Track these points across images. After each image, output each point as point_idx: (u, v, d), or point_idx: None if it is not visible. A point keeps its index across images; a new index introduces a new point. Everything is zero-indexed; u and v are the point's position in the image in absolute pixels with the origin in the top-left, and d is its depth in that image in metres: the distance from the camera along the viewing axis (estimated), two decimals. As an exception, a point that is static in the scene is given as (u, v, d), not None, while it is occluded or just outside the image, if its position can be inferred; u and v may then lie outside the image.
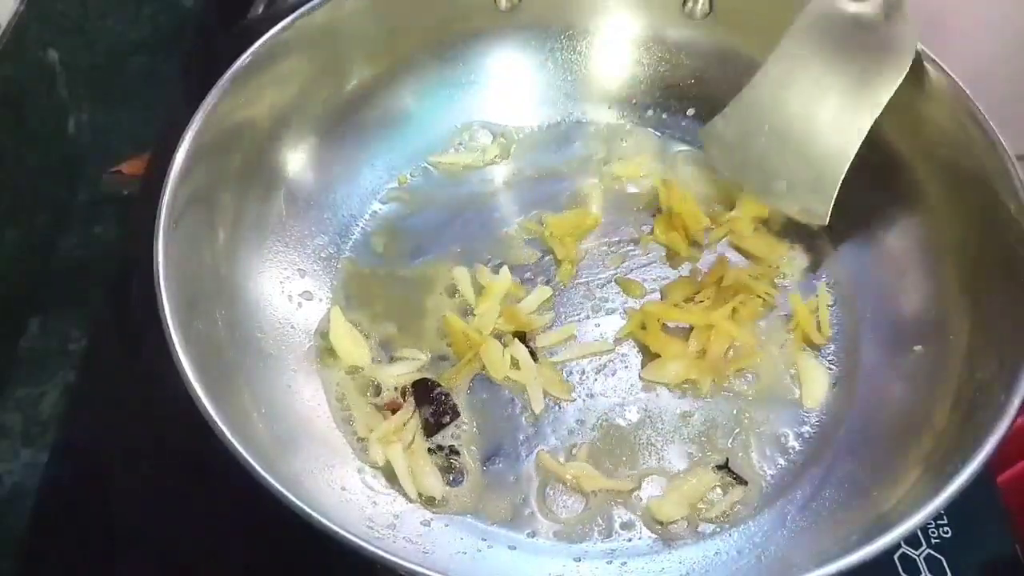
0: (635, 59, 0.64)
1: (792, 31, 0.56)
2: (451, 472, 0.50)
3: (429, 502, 0.49)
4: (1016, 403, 0.42)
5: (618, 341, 0.55)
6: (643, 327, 0.55)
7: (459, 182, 0.62)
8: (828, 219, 0.55)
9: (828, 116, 0.55)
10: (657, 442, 0.52)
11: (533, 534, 0.49)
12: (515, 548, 0.48)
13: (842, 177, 0.55)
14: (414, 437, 0.51)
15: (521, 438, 0.52)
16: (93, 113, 0.70)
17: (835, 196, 0.55)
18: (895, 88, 0.52)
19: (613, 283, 0.58)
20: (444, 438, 0.51)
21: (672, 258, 0.59)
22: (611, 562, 0.48)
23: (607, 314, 0.56)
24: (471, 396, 0.53)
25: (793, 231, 0.60)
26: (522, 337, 0.54)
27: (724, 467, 0.50)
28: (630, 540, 0.49)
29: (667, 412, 0.53)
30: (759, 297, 0.56)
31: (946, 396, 0.48)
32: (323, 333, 0.54)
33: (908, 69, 0.52)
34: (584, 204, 0.61)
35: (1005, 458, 0.58)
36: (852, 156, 0.54)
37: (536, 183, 0.62)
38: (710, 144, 0.61)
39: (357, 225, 0.60)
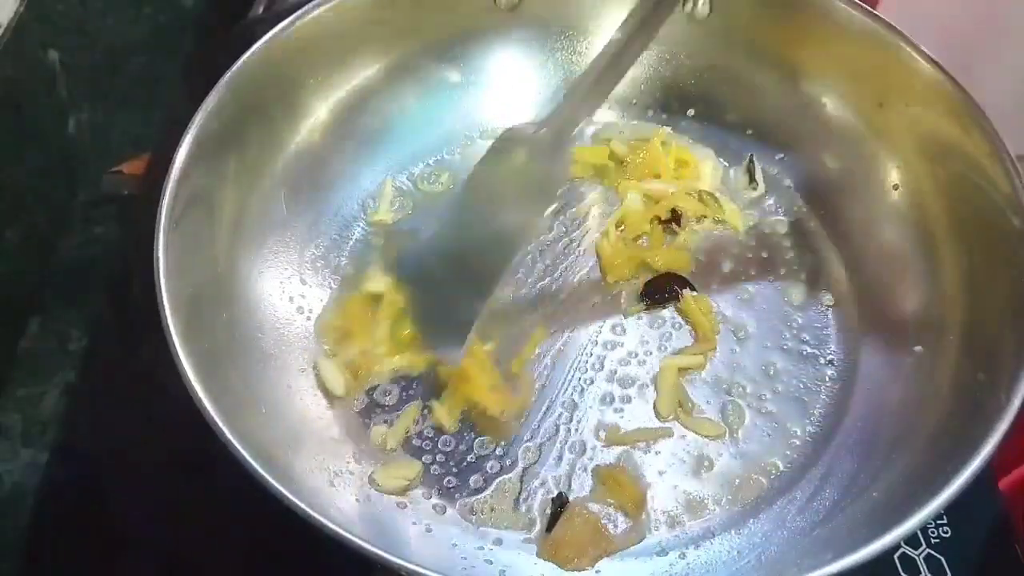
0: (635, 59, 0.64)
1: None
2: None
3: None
4: (1016, 403, 0.42)
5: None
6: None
7: (458, 183, 0.62)
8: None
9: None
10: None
11: (533, 536, 0.49)
12: (516, 550, 0.48)
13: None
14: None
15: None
16: (93, 113, 0.70)
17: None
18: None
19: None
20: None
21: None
22: (612, 562, 0.48)
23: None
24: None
25: (794, 231, 0.60)
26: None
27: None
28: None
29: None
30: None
31: (946, 396, 0.48)
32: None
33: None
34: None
35: (1007, 462, 0.58)
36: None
37: (536, 183, 0.62)
38: None
39: (357, 226, 0.60)
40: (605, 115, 0.65)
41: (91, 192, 0.69)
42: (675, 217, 0.60)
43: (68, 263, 0.66)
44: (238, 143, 0.53)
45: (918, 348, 0.52)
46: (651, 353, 0.55)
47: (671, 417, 0.52)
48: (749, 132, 0.63)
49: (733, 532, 0.48)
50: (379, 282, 0.56)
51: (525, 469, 0.50)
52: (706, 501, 0.50)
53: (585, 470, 0.51)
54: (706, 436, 0.52)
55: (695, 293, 0.56)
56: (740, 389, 0.54)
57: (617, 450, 0.51)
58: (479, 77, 0.64)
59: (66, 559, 0.53)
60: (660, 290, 0.57)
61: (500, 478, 0.50)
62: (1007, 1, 0.80)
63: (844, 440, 0.51)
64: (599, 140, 0.64)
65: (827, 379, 0.54)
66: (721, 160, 0.63)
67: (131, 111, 0.73)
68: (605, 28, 0.63)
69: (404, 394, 0.53)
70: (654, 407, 0.53)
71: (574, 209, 0.61)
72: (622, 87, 0.64)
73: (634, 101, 0.65)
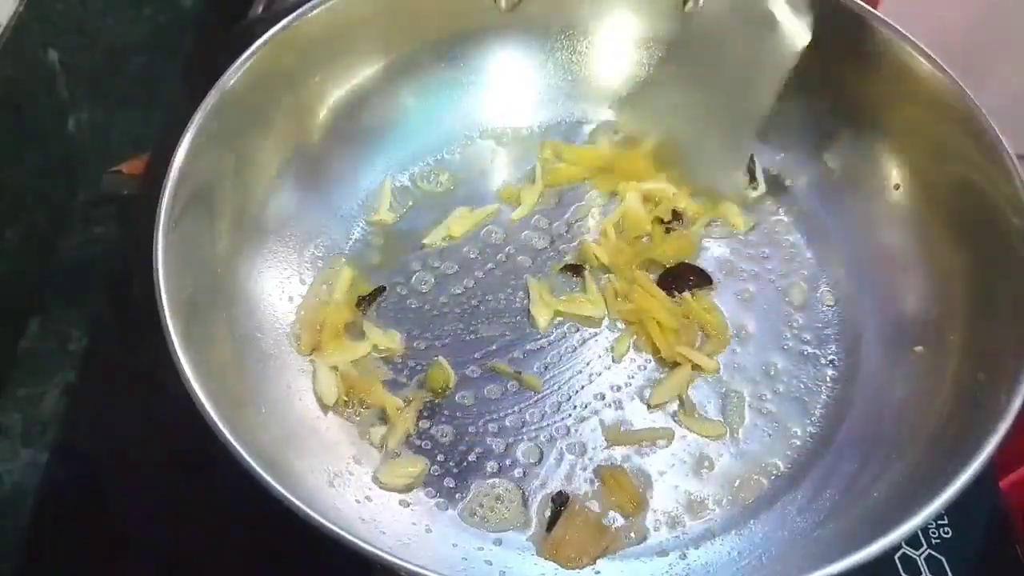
0: (635, 59, 0.64)
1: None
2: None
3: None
4: (1017, 404, 0.42)
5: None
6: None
7: (458, 183, 0.62)
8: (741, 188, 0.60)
9: (733, 89, 0.59)
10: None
11: (533, 536, 0.49)
12: (516, 550, 0.48)
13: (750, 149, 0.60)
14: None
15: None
16: (93, 113, 0.70)
17: (746, 165, 0.61)
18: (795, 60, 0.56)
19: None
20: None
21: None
22: (612, 562, 0.48)
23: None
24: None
25: (794, 231, 0.60)
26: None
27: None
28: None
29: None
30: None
31: (946, 396, 0.48)
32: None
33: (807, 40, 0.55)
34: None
35: (1007, 462, 0.58)
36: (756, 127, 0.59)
37: (536, 183, 0.62)
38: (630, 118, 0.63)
39: (357, 226, 0.60)
40: (605, 115, 0.65)
41: (91, 192, 0.69)
42: (675, 217, 0.60)
43: (68, 263, 0.66)
44: (238, 143, 0.53)
45: (918, 348, 0.52)
46: (651, 354, 0.55)
47: (660, 406, 0.53)
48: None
49: (734, 532, 0.48)
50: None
51: (525, 469, 0.51)
52: (707, 501, 0.50)
53: (585, 470, 0.51)
54: (706, 436, 0.52)
55: (692, 294, 0.56)
56: (740, 389, 0.54)
57: (617, 450, 0.51)
58: (479, 77, 0.64)
59: (66, 559, 0.53)
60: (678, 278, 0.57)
61: (500, 478, 0.50)
62: (1007, 2, 0.80)
63: (845, 440, 0.51)
64: (597, 140, 0.64)
65: (828, 379, 0.54)
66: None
67: (131, 111, 0.73)
68: (605, 28, 0.64)
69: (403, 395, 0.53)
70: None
71: (574, 208, 0.61)
72: (622, 87, 0.64)
73: (634, 101, 0.65)
